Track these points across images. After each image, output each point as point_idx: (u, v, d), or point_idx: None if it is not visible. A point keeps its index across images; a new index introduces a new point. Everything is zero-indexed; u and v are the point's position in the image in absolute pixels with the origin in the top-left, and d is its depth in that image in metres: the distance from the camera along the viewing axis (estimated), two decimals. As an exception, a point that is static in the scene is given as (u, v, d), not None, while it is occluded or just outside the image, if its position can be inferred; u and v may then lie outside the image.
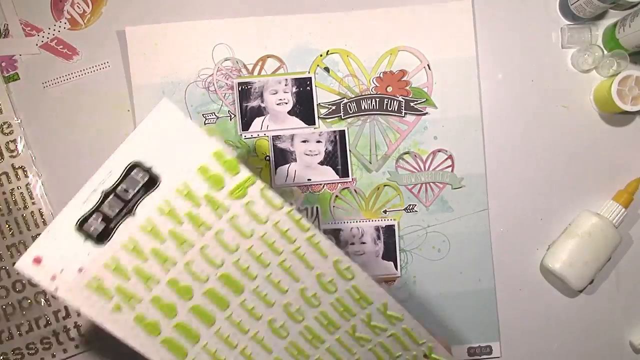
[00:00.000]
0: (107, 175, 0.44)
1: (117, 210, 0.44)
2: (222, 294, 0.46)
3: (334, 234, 0.61)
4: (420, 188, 0.62)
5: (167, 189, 0.45)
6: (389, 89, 0.62)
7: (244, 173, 0.44)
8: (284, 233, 0.46)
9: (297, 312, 0.48)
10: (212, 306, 0.46)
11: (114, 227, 0.44)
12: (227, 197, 0.45)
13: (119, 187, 0.44)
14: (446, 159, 0.62)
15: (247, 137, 0.61)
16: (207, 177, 0.44)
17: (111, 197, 0.44)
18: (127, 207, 0.44)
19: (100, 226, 0.44)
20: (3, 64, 0.62)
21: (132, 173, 0.43)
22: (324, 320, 0.49)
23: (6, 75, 0.62)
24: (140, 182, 0.44)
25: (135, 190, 0.44)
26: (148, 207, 0.44)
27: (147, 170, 0.44)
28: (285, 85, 0.61)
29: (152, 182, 0.44)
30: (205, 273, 0.46)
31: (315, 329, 0.49)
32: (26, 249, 0.62)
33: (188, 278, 0.46)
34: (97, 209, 0.44)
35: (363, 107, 0.62)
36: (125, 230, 0.44)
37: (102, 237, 0.44)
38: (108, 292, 0.45)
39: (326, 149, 0.61)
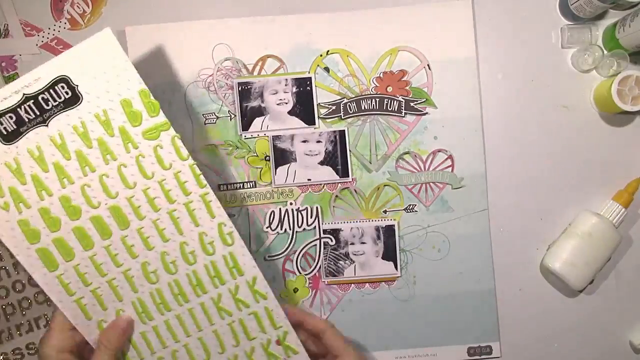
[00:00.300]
0: (34, 81, 0.46)
1: (32, 116, 0.46)
2: (108, 224, 0.49)
3: (334, 234, 0.61)
4: (420, 188, 0.62)
5: (86, 111, 0.47)
6: (389, 89, 0.62)
7: (162, 117, 0.49)
8: (182, 184, 0.49)
9: (172, 264, 0.50)
10: (94, 232, 0.49)
11: (24, 132, 0.46)
12: (140, 134, 0.49)
13: (41, 96, 0.46)
14: (446, 159, 0.62)
15: (247, 137, 0.61)
16: (127, 111, 0.48)
17: (31, 102, 0.46)
18: (42, 117, 0.46)
19: (11, 126, 0.46)
20: (3, 64, 0.62)
21: (58, 86, 0.46)
22: (194, 280, 0.51)
23: (6, 75, 0.62)
24: (63, 97, 0.46)
25: (56, 103, 0.47)
26: (62, 122, 0.47)
27: (72, 88, 0.47)
28: (285, 85, 0.61)
29: (73, 101, 0.47)
30: (98, 200, 0.48)
31: (184, 286, 0.51)
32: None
33: (81, 199, 0.48)
34: (13, 109, 0.46)
35: (363, 107, 0.61)
36: (35, 138, 0.47)
37: (10, 138, 0.46)
38: (1, 189, 0.47)
39: (326, 149, 0.61)
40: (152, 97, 0.49)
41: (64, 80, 0.47)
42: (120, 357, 0.50)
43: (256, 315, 0.51)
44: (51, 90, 0.47)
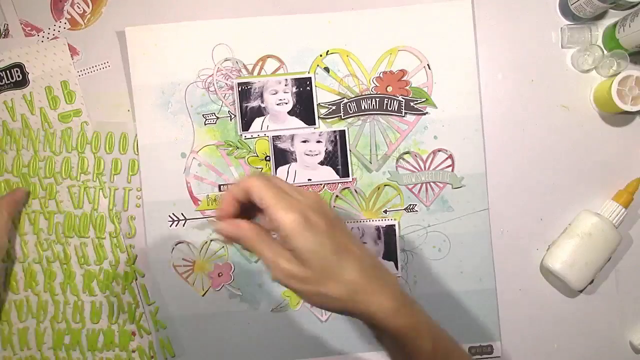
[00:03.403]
0: None
1: None
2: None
3: (334, 234, 0.61)
4: (421, 188, 0.62)
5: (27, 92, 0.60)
6: (389, 89, 0.61)
7: (76, 105, 0.61)
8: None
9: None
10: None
11: None
12: (56, 117, 0.61)
13: None
14: (446, 158, 0.62)
15: (247, 137, 0.61)
16: (50, 97, 0.61)
17: None
18: None
19: None
20: (3, 64, 0.62)
21: (13, 70, 0.61)
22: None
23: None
24: (15, 79, 0.61)
25: (6, 82, 0.61)
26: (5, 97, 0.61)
27: (24, 74, 0.61)
28: (285, 85, 0.61)
29: (21, 83, 0.61)
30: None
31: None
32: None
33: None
34: None
35: (363, 107, 0.61)
36: None
37: None
38: None
39: (326, 149, 0.61)
40: (71, 87, 0.61)
41: (19, 66, 0.61)
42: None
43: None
44: (6, 71, 0.61)
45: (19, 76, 0.61)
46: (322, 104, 0.61)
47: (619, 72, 0.58)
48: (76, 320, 0.61)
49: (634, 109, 0.57)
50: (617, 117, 0.62)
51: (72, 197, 0.61)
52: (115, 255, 0.61)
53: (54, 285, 0.61)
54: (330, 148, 0.61)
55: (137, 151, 0.61)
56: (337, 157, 0.61)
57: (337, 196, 0.61)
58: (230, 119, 0.61)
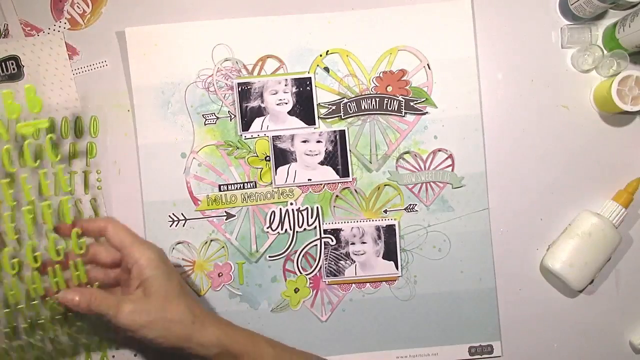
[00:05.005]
0: None
1: None
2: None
3: (335, 234, 0.61)
4: (421, 187, 0.62)
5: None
6: (389, 89, 0.62)
7: (44, 116, 0.57)
8: (44, 184, 0.53)
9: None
10: None
11: None
12: (17, 128, 0.52)
13: None
14: (446, 158, 0.62)
15: (247, 137, 0.61)
16: (7, 103, 0.52)
17: None
18: None
19: None
20: (3, 64, 0.62)
21: (8, 62, 0.59)
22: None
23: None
24: (10, 71, 0.59)
25: (1, 74, 0.58)
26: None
27: (20, 67, 0.59)
28: (285, 85, 0.61)
29: (17, 76, 0.59)
30: None
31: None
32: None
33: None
34: None
35: (363, 107, 0.61)
36: None
37: None
38: None
39: (326, 149, 0.61)
40: (37, 94, 0.53)
41: (14, 58, 0.59)
42: None
43: None
44: (2, 64, 0.59)
45: (13, 69, 0.60)
46: (322, 104, 0.61)
47: (619, 72, 0.58)
48: None
49: (634, 109, 0.57)
50: (617, 117, 0.62)
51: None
52: None
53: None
54: (330, 148, 0.61)
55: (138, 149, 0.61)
56: (337, 157, 0.61)
57: (337, 196, 0.61)
58: (230, 119, 0.61)
